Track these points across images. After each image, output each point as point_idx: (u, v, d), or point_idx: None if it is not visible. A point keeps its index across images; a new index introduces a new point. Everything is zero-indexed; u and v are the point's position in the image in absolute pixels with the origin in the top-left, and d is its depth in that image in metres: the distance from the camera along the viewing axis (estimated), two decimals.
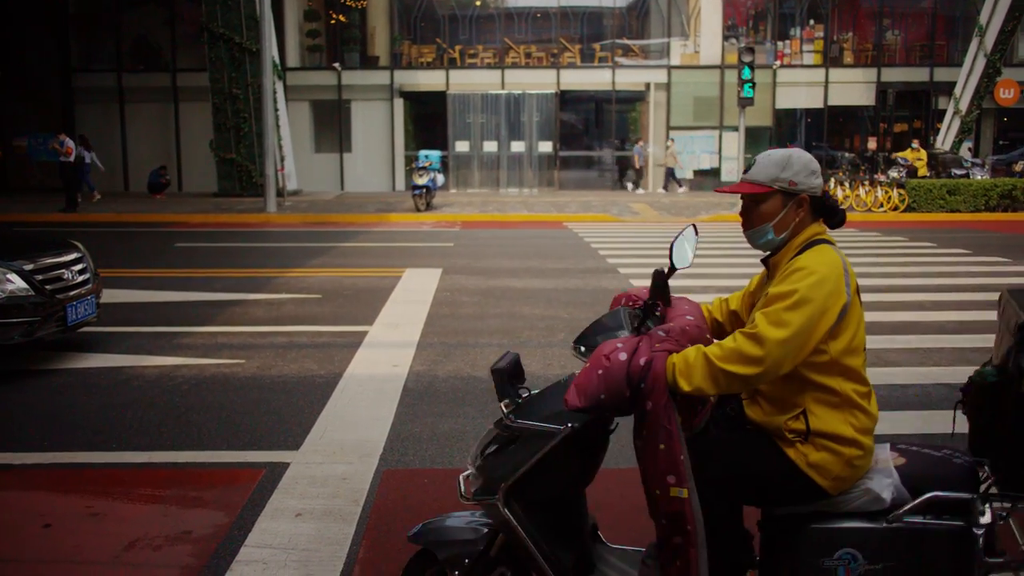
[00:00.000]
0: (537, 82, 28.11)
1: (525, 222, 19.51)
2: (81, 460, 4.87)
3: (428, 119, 28.66)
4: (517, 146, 28.05)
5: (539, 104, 28.14)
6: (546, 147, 28.13)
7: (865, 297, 9.54)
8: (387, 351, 7.29)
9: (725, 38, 27.96)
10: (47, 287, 6.61)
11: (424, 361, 6.98)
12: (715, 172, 28.10)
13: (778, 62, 28.01)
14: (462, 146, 28.08)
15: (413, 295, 9.93)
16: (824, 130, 28.75)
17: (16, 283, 6.39)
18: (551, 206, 22.24)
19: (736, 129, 23.02)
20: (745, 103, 20.84)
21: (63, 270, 6.90)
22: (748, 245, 2.77)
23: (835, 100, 28.39)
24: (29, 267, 6.56)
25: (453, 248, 14.49)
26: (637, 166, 27.20)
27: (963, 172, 22.55)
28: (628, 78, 28.37)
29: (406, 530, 3.96)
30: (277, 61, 24.25)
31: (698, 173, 28.23)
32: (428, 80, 28.21)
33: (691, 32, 28.61)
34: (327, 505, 4.22)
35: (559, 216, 20.00)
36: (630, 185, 27.35)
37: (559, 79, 28.07)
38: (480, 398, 5.99)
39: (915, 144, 24.47)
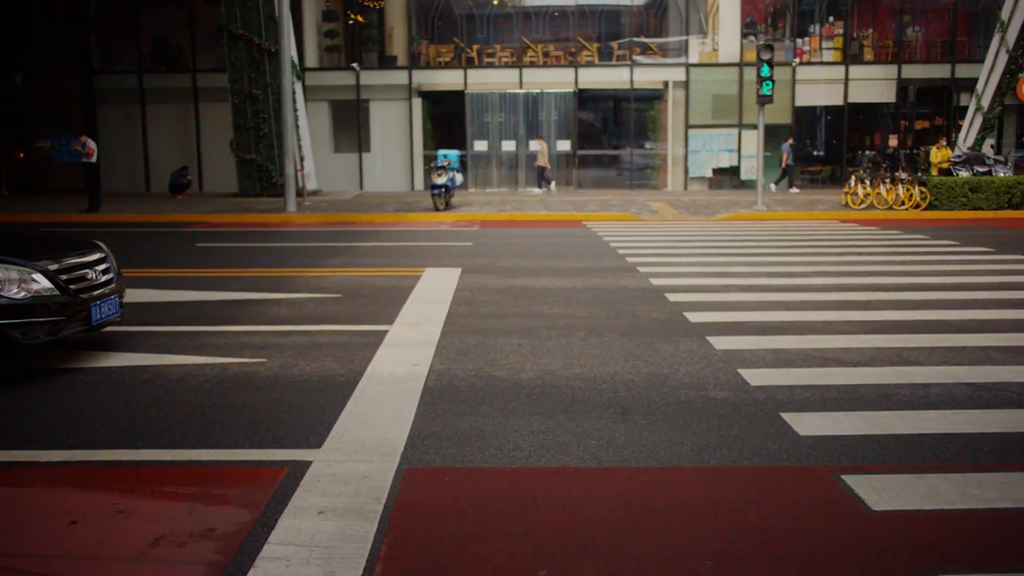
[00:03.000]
0: (555, 81, 28.08)
1: (544, 221, 19.51)
2: (106, 458, 4.92)
3: (446, 118, 28.70)
4: (535, 145, 28.04)
5: (557, 103, 28.12)
6: (564, 146, 28.10)
7: (887, 296, 9.55)
8: (407, 350, 7.32)
9: (744, 35, 27.85)
10: (71, 287, 6.67)
11: (444, 360, 7.00)
12: (734, 170, 27.99)
13: (797, 59, 27.86)
14: (480, 145, 28.09)
15: (433, 294, 9.96)
16: (844, 128, 28.57)
17: (41, 283, 6.46)
18: (569, 205, 22.23)
19: (755, 127, 22.90)
20: (764, 101, 20.67)
21: (87, 270, 6.96)
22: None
23: (855, 97, 28.20)
24: (54, 267, 6.63)
25: (472, 247, 14.52)
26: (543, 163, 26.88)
27: (985, 169, 22.35)
28: (646, 76, 28.30)
29: (428, 528, 3.99)
30: (296, 61, 24.36)
31: (717, 171, 28.13)
32: (446, 80, 28.24)
33: (709, 30, 28.50)
34: (349, 503, 4.25)
35: (578, 215, 19.99)
36: (536, 189, 26.98)
37: (577, 78, 28.04)
38: (500, 397, 6.00)
39: (943, 142, 24.28)
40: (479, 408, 5.78)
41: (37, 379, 6.52)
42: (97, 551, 3.79)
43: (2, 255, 6.48)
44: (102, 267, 7.17)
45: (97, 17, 28.62)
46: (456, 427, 5.40)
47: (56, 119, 27.96)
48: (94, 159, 21.04)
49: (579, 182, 28.29)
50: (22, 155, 28.46)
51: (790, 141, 26.64)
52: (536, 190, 26.87)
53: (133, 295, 8.75)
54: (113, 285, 7.20)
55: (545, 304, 9.44)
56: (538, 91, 28.04)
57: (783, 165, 26.63)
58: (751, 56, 26.58)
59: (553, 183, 27.16)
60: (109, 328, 7.45)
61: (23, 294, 6.33)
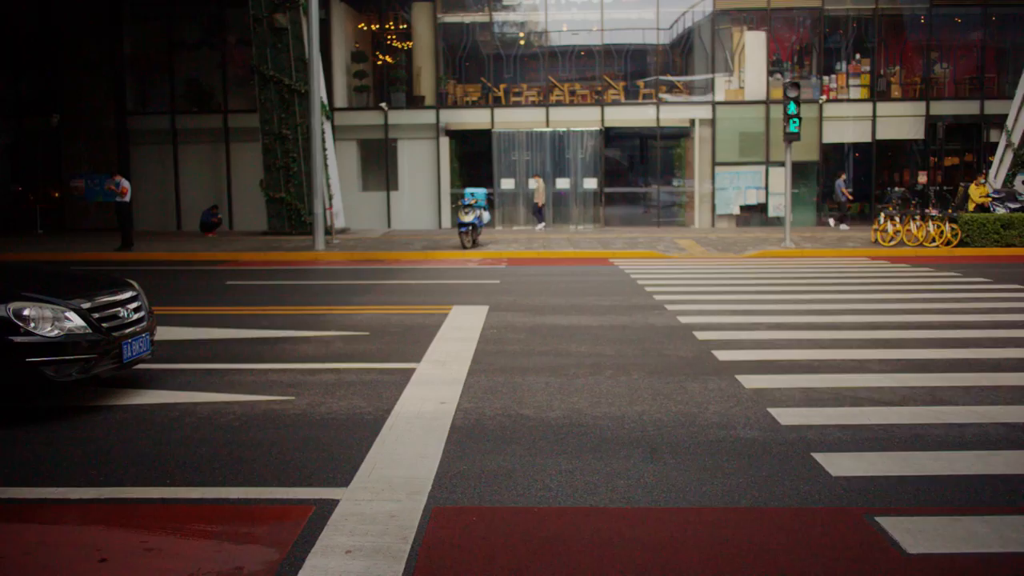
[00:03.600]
0: (582, 119, 28.25)
1: (571, 259, 19.52)
2: (136, 495, 4.95)
3: (474, 157, 28.90)
4: (562, 183, 28.12)
5: (584, 141, 28.26)
6: (591, 184, 28.19)
7: (919, 334, 9.42)
8: (435, 388, 7.32)
9: (770, 73, 27.92)
10: (104, 325, 6.75)
11: (472, 398, 6.99)
12: (762, 208, 27.92)
13: (824, 96, 27.86)
14: (507, 183, 28.23)
15: (460, 332, 9.97)
16: (873, 164, 28.45)
17: (74, 321, 6.54)
18: (597, 243, 22.24)
19: (783, 164, 22.89)
20: (791, 138, 20.65)
21: (119, 308, 7.04)
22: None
23: (883, 134, 28.11)
24: (87, 305, 6.71)
25: (499, 285, 14.54)
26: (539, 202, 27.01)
27: (1018, 205, 22.13)
28: (673, 114, 28.40)
29: (456, 567, 3.96)
30: (325, 102, 24.69)
31: (744, 209, 28.07)
32: (473, 119, 28.48)
33: (735, 68, 28.61)
34: (376, 543, 4.23)
35: (605, 253, 19.99)
36: (538, 226, 27.04)
37: (603, 116, 28.19)
38: (528, 436, 5.98)
39: (982, 179, 24.04)
40: (507, 447, 5.75)
41: (69, 416, 6.59)
42: None
43: (36, 293, 6.58)
44: (133, 305, 7.25)
45: (131, 59, 29.23)
46: (484, 466, 5.37)
47: (91, 159, 28.49)
48: (127, 198, 21.37)
49: (606, 220, 28.32)
50: (57, 194, 28.97)
51: (843, 177, 26.57)
52: (539, 227, 26.96)
53: (164, 332, 8.83)
54: (144, 323, 7.28)
55: (572, 342, 9.42)
56: (564, 129, 28.21)
57: (840, 201, 26.53)
58: (777, 94, 26.63)
59: (543, 224, 27.20)
60: (140, 365, 7.52)
61: (56, 332, 6.42)
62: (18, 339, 6.24)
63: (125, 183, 21.39)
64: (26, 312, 6.34)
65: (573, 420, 6.36)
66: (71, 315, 6.54)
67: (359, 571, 3.93)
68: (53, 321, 6.43)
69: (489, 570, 3.97)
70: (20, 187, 28.78)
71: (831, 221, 27.07)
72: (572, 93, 28.64)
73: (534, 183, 26.86)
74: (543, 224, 26.97)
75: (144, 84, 29.66)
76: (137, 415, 6.61)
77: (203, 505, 4.80)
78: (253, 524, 4.55)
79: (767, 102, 27.69)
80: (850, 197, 26.70)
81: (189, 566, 3.98)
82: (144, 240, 23.03)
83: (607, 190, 28.37)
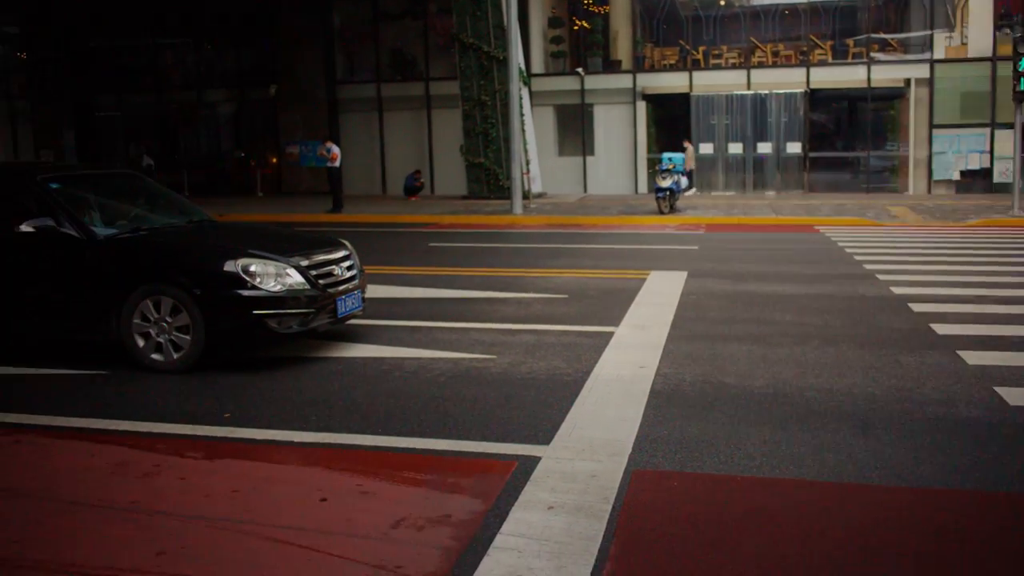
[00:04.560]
0: (785, 81, 27.07)
1: (772, 226, 18.84)
2: (351, 442, 5.23)
3: (671, 121, 28.33)
4: (763, 148, 27.10)
5: (787, 104, 27.09)
6: (794, 148, 27.01)
7: None
8: (633, 352, 7.29)
9: (997, 28, 25.64)
10: (320, 282, 7.15)
11: (671, 364, 6.91)
12: (986, 173, 25.85)
13: None
14: (706, 148, 27.53)
15: (658, 298, 9.86)
16: None
17: (294, 277, 6.97)
18: (800, 209, 21.36)
19: (1011, 127, 21.05)
20: (1021, 98, 18.99)
21: (334, 266, 7.44)
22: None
23: None
24: (305, 263, 7.13)
25: (698, 251, 14.26)
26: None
27: None
28: (885, 74, 26.69)
29: (658, 531, 3.95)
30: (523, 68, 24.91)
31: (965, 174, 26.08)
32: (671, 82, 27.92)
33: (957, 23, 26.50)
34: (578, 501, 4.27)
35: (809, 220, 19.16)
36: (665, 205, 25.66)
37: (808, 77, 26.88)
38: (730, 404, 5.85)
39: None
40: (707, 414, 5.66)
41: (291, 365, 7.04)
42: (346, 528, 4.03)
43: (261, 251, 7.05)
44: (347, 264, 7.64)
45: (340, 31, 30.57)
46: (684, 432, 5.31)
47: (304, 126, 30.15)
48: (338, 163, 22.51)
49: (810, 185, 27.11)
50: (275, 160, 30.91)
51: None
52: (689, 192, 25.98)
53: (372, 291, 9.24)
54: (356, 281, 7.66)
55: (776, 311, 9.11)
56: (767, 92, 27.14)
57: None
58: (1006, 50, 24.42)
59: (693, 188, 26.12)
60: (352, 321, 7.92)
61: (279, 287, 6.86)
62: (246, 293, 6.72)
63: (335, 149, 22.52)
64: (253, 268, 6.81)
65: (777, 390, 6.16)
66: (292, 272, 6.97)
67: (562, 527, 3.99)
68: (276, 277, 6.88)
69: (691, 536, 3.92)
70: (243, 153, 30.93)
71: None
72: (775, 54, 27.49)
73: (688, 148, 25.97)
74: (692, 189, 26.04)
75: (352, 55, 30.97)
76: (351, 367, 6.98)
77: (413, 454, 5.01)
78: (459, 475, 4.71)
79: (993, 59, 25.49)
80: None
81: (401, 510, 4.18)
82: (352, 203, 24.17)
83: (812, 155, 27.12)
